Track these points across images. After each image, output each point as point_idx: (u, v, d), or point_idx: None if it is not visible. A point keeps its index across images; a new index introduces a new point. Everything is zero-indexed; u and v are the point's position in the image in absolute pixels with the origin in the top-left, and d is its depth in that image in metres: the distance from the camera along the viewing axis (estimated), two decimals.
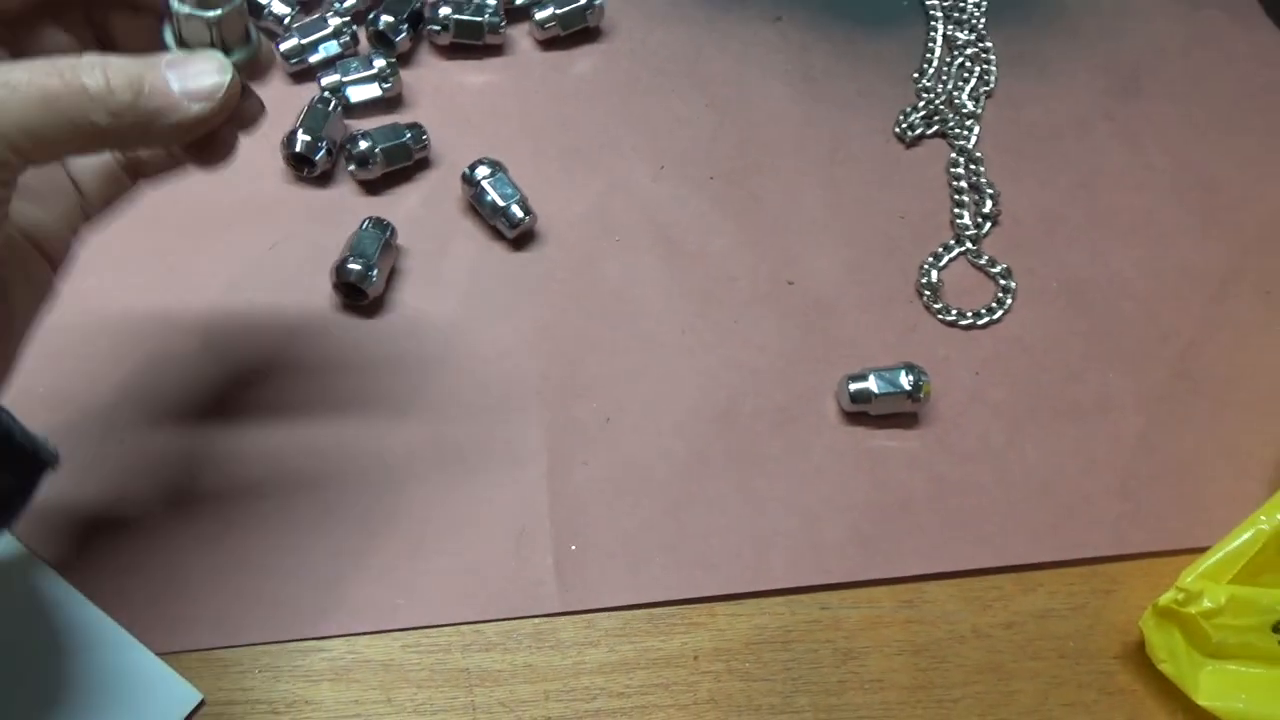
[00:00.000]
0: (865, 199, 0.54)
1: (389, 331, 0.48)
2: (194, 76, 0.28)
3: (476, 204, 0.50)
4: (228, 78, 0.28)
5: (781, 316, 0.50)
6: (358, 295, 0.47)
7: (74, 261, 0.35)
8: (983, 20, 0.60)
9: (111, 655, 0.40)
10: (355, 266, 0.46)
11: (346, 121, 0.52)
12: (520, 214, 0.49)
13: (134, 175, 0.34)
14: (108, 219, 0.36)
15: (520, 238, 0.50)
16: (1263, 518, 0.43)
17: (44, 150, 0.27)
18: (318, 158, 0.49)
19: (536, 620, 0.43)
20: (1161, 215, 0.55)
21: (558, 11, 0.55)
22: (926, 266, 0.52)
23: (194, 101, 0.28)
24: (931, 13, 0.60)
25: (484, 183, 0.49)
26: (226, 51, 0.30)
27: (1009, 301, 0.52)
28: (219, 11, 0.29)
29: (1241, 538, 0.43)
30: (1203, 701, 0.42)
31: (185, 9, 0.29)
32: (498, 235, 0.50)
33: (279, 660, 0.41)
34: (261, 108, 0.33)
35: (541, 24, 0.55)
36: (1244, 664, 0.42)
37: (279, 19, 0.53)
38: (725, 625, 0.43)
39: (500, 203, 0.49)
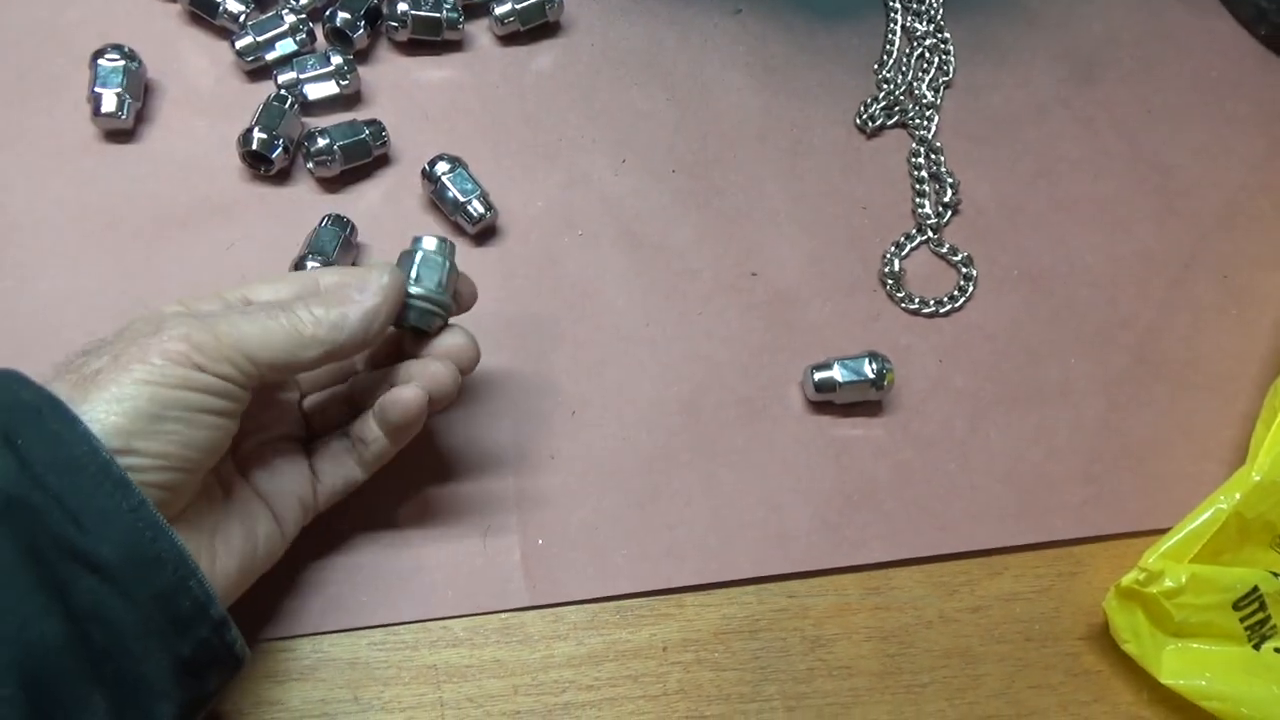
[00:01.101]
0: (827, 190, 0.54)
1: None
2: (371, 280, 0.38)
3: (437, 200, 0.50)
4: (387, 277, 0.38)
5: (745, 308, 0.50)
6: None
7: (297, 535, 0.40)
8: (941, 11, 0.61)
9: None
10: (314, 264, 0.46)
11: (304, 119, 0.51)
12: (481, 209, 0.49)
13: (363, 466, 0.41)
14: (332, 502, 0.41)
15: (482, 233, 0.50)
16: (1221, 498, 0.43)
17: (280, 370, 0.36)
18: (274, 155, 0.49)
19: (504, 615, 0.43)
20: (1119, 202, 0.56)
21: (517, 7, 0.55)
22: (889, 256, 0.52)
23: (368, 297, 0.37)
24: (890, 4, 0.61)
25: (444, 178, 0.49)
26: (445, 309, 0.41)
27: (971, 289, 0.52)
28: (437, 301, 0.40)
29: (1201, 518, 0.43)
30: (1166, 680, 0.42)
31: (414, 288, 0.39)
32: (459, 231, 0.50)
33: None
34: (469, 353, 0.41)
35: (501, 19, 0.55)
36: (1206, 642, 0.43)
37: (234, 16, 0.52)
38: (693, 616, 0.43)
39: (461, 198, 0.49)
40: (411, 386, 0.39)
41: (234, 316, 0.35)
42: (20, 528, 0.29)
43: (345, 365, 0.42)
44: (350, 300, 0.37)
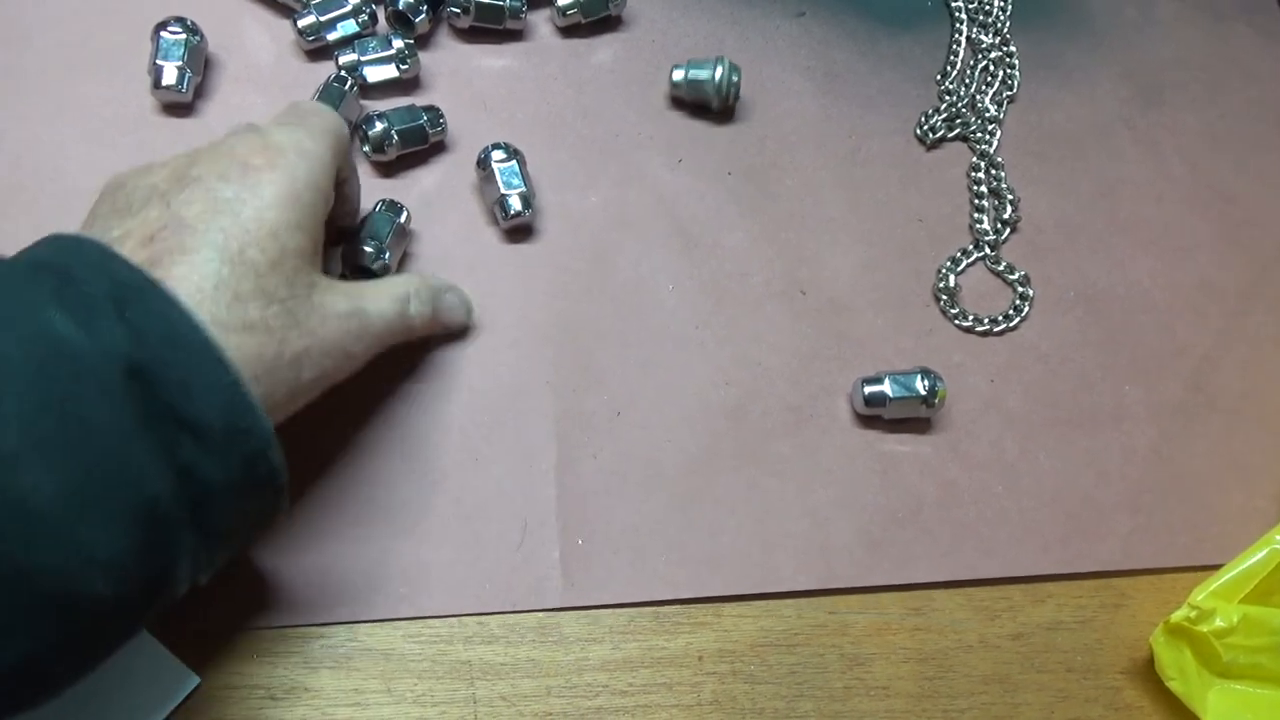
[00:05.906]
0: (884, 200, 0.53)
1: None
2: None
3: (482, 186, 0.49)
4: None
5: (796, 315, 0.50)
6: (368, 278, 0.46)
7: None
8: (1007, 24, 0.60)
9: None
10: (367, 249, 0.46)
11: (363, 102, 0.51)
12: (517, 206, 0.48)
13: None
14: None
15: (513, 231, 0.49)
16: (1277, 537, 0.43)
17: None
18: None
19: (540, 614, 0.42)
20: (1180, 227, 0.55)
21: None
22: (944, 270, 0.51)
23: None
24: (956, 14, 0.60)
25: (495, 166, 0.48)
26: None
27: (1026, 309, 0.51)
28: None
29: (1255, 557, 0.42)
30: None
31: None
32: (493, 221, 0.49)
33: (278, 645, 0.40)
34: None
35: (563, 10, 0.54)
36: (1253, 685, 0.42)
37: None
38: (731, 626, 0.43)
39: (503, 190, 0.48)
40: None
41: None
42: (141, 392, 0.31)
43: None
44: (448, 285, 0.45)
